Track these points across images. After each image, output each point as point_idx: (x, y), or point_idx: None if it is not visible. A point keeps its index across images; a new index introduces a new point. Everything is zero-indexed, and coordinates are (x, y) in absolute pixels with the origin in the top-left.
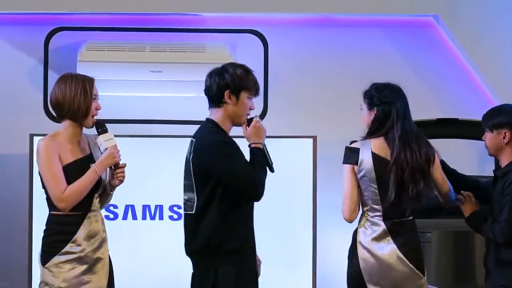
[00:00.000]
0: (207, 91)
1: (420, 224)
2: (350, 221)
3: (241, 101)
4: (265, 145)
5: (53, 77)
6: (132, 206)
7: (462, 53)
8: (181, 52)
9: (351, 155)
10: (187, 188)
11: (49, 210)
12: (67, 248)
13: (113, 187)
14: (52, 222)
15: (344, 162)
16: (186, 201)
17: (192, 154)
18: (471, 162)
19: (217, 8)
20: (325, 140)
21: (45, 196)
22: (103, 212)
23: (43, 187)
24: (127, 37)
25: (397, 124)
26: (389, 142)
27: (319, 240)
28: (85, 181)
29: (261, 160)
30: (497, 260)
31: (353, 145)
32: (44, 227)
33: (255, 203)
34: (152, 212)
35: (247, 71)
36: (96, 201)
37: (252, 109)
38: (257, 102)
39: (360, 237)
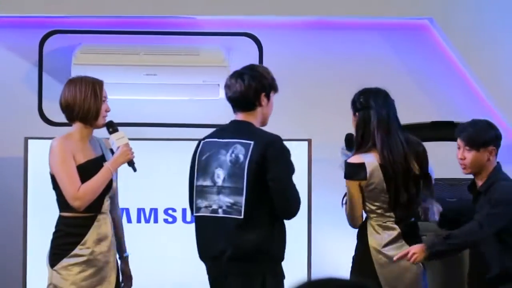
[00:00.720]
0: (241, 96)
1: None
2: (357, 227)
3: (271, 101)
4: None
5: (47, 80)
6: (127, 209)
7: (457, 56)
8: (175, 55)
9: (358, 171)
10: (233, 192)
11: (60, 212)
12: (76, 250)
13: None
14: (61, 224)
15: (350, 178)
16: (231, 205)
17: (251, 155)
18: None
19: (211, 11)
20: (320, 143)
21: (56, 197)
22: None
23: (54, 187)
24: (122, 40)
25: (379, 129)
26: (383, 148)
27: (314, 242)
28: (99, 179)
29: None
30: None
31: (354, 160)
32: (54, 229)
33: None
34: (147, 215)
35: (269, 71)
36: (106, 204)
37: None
38: None
39: (373, 242)
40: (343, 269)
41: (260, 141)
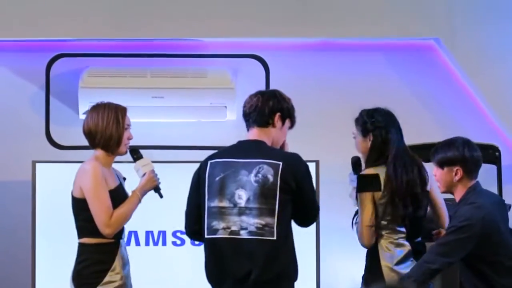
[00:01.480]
0: (255, 110)
1: None
2: (370, 247)
3: (284, 127)
4: None
5: (55, 104)
6: (135, 232)
7: (464, 76)
8: (182, 77)
9: (373, 182)
10: (263, 213)
11: (81, 238)
12: (108, 277)
13: None
14: (87, 252)
15: (364, 190)
16: (262, 226)
17: (281, 176)
18: None
19: (218, 34)
20: (327, 164)
21: (78, 222)
22: None
23: (78, 212)
24: (129, 63)
25: (394, 147)
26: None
27: (323, 263)
28: (129, 207)
29: None
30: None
31: (368, 172)
32: (77, 258)
33: None
34: (156, 238)
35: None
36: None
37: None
38: None
39: (385, 261)
40: None
41: (289, 162)
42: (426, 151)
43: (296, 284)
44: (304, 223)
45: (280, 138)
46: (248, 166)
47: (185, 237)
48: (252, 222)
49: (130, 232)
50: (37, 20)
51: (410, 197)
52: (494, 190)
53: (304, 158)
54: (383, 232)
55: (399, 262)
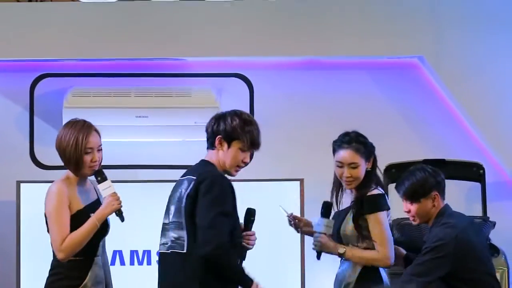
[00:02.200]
0: (206, 132)
1: None
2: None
3: (231, 150)
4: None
5: (39, 124)
6: (120, 252)
7: (448, 94)
8: (166, 97)
9: (386, 201)
10: (176, 226)
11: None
12: None
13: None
14: (59, 266)
15: (383, 209)
16: (175, 239)
17: (189, 191)
18: (458, 202)
19: (202, 53)
20: (312, 182)
21: (50, 239)
22: None
23: (48, 231)
24: (113, 82)
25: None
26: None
27: (308, 283)
28: (83, 233)
29: None
30: None
31: (377, 192)
32: (50, 271)
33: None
34: (140, 257)
35: (246, 122)
36: (100, 246)
37: (245, 162)
38: None
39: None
40: None
41: (200, 178)
42: None
43: None
44: (198, 247)
45: (227, 160)
46: (180, 183)
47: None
48: (171, 235)
49: (114, 252)
50: (21, 40)
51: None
52: (479, 207)
53: (289, 176)
54: None
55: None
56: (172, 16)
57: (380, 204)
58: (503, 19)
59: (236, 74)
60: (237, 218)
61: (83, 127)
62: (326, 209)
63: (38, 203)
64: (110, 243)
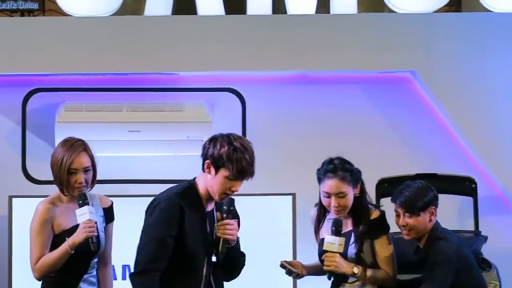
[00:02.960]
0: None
1: None
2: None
3: (218, 176)
4: None
5: (31, 139)
6: (112, 266)
7: (440, 109)
8: (159, 111)
9: (387, 220)
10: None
11: None
12: None
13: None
14: (47, 283)
15: (388, 230)
16: None
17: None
18: (450, 216)
19: (195, 67)
20: (304, 197)
21: None
22: None
23: None
24: (105, 97)
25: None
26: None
27: None
28: (56, 255)
29: None
30: None
31: (378, 214)
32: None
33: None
34: None
35: (236, 150)
36: (92, 264)
37: (234, 191)
38: None
39: None
40: None
41: (154, 199)
42: (403, 183)
43: None
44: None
45: (214, 186)
46: None
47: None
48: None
49: None
50: (13, 54)
51: None
52: (471, 222)
53: (281, 191)
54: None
55: None
56: (164, 30)
57: (385, 226)
58: (494, 34)
59: (229, 88)
60: (189, 240)
61: (71, 147)
62: (337, 226)
63: (30, 218)
64: None
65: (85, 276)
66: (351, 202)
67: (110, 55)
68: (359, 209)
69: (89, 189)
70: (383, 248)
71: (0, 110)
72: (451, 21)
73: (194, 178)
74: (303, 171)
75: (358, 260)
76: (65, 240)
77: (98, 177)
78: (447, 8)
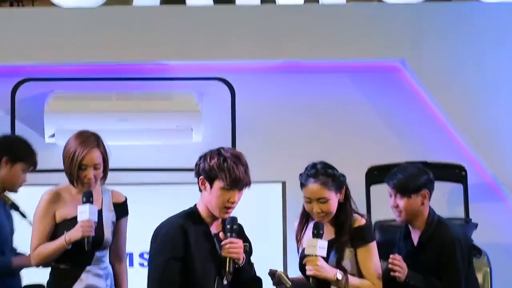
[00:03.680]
0: None
1: None
2: None
3: (214, 190)
4: None
5: (20, 128)
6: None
7: (429, 97)
8: (148, 100)
9: (372, 231)
10: None
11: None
12: None
13: None
14: (50, 275)
15: (373, 239)
16: None
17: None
18: (440, 203)
19: (184, 56)
20: (294, 185)
21: None
22: None
23: None
24: (94, 86)
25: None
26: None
27: None
28: (52, 247)
29: None
30: None
31: (363, 222)
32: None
33: None
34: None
35: (226, 159)
36: (96, 256)
37: (233, 202)
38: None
39: None
40: None
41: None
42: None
43: None
44: None
45: (211, 201)
46: None
47: None
48: None
49: None
50: (2, 44)
51: None
52: (461, 209)
53: (271, 178)
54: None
55: None
56: (153, 20)
57: (370, 235)
58: (483, 23)
59: (218, 78)
60: (196, 262)
61: (84, 142)
62: (318, 229)
63: (21, 207)
64: None
65: (88, 267)
66: (335, 208)
67: (99, 44)
68: (342, 215)
69: (103, 183)
70: (366, 258)
71: None
72: (440, 10)
73: (195, 204)
74: (293, 160)
75: (338, 269)
76: (64, 232)
77: None
78: None
